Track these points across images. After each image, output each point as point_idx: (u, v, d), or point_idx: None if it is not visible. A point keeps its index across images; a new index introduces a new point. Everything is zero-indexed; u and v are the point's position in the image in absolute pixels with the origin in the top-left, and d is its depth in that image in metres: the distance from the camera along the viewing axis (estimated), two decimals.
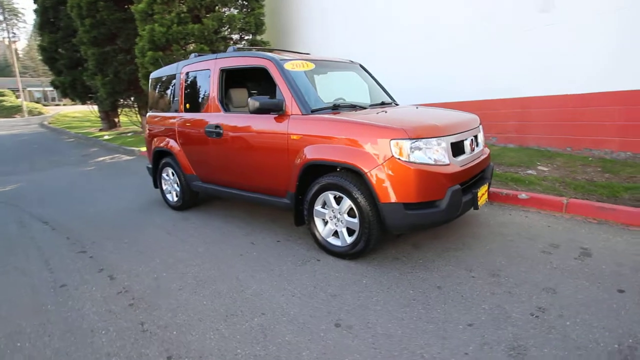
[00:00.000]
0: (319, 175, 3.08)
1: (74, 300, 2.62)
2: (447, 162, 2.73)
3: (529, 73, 5.77)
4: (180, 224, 4.16)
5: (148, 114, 5.03)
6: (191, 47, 11.69)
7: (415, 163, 2.60)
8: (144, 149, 11.11)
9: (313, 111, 3.10)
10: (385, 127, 2.67)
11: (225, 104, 3.87)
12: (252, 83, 4.82)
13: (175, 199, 4.67)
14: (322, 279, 2.68)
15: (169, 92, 4.60)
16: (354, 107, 3.44)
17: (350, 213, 2.88)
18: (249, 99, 3.20)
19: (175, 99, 4.38)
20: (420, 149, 2.62)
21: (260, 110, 3.18)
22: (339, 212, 2.92)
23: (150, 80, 5.03)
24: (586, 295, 2.28)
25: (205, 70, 3.98)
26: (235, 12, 11.33)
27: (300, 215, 3.26)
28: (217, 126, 3.76)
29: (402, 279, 2.61)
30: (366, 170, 2.66)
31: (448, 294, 2.38)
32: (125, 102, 14.27)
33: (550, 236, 3.17)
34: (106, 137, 13.32)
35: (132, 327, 2.25)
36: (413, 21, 7.27)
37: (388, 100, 4.08)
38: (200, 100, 4.09)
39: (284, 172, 3.25)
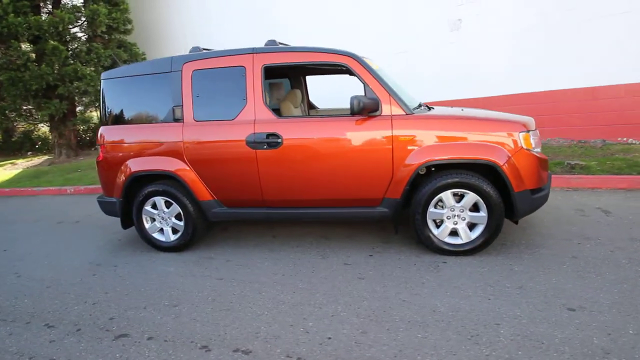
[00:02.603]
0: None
1: None
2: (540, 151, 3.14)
3: (443, 82, 6.97)
4: (214, 265, 3.20)
5: (103, 130, 3.61)
6: (25, 47, 8.78)
7: (536, 152, 2.88)
8: None
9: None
10: (512, 121, 2.86)
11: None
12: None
13: (174, 236, 3.54)
14: (482, 278, 2.63)
15: (156, 97, 3.44)
16: (419, 106, 3.46)
17: (471, 208, 2.92)
18: (354, 97, 2.81)
19: (176, 105, 3.32)
20: (534, 139, 2.92)
21: (362, 111, 2.85)
22: (461, 210, 2.92)
23: (103, 83, 3.63)
24: None
25: (235, 68, 3.19)
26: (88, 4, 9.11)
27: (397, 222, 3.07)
28: (271, 135, 3.09)
29: (539, 259, 2.83)
30: (501, 163, 2.76)
31: (589, 260, 2.75)
32: None
33: (564, 205, 4.01)
34: None
35: None
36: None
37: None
38: (224, 105, 3.25)
39: (383, 178, 2.98)
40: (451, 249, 2.98)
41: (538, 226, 3.47)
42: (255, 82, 3.15)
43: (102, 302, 2.74)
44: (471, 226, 2.97)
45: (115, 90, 3.60)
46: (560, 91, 6.16)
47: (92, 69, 8.68)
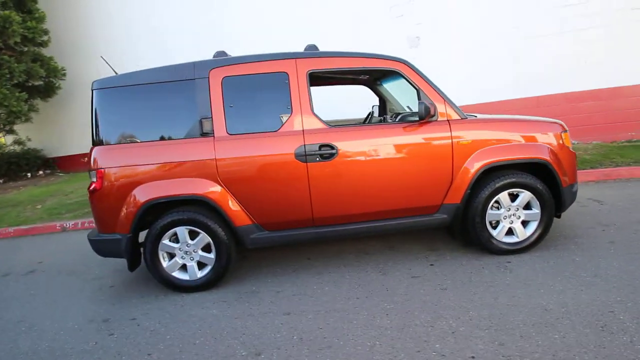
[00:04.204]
0: None
1: None
2: None
3: None
4: (265, 299, 2.78)
5: (99, 151, 2.91)
6: None
7: (572, 150, 3.12)
8: None
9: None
10: (555, 122, 3.05)
11: None
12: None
13: (200, 273, 2.98)
14: (556, 272, 2.70)
15: (173, 108, 2.91)
16: None
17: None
18: (422, 102, 2.72)
19: (204, 117, 2.84)
20: (570, 138, 3.17)
21: (426, 117, 2.78)
22: (516, 209, 3.00)
23: (95, 95, 2.94)
24: None
25: (275, 74, 2.86)
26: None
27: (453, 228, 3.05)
28: (324, 146, 2.82)
29: (586, 248, 3.03)
30: (552, 161, 2.92)
31: (625, 243, 3.02)
32: None
33: None
34: None
35: None
36: None
37: None
38: (264, 115, 2.89)
39: (443, 184, 2.94)
40: (510, 247, 3.04)
41: (565, 225, 3.72)
42: (300, 90, 2.87)
43: None
44: (523, 224, 3.07)
45: (114, 102, 2.95)
46: (509, 101, 6.96)
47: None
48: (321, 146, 2.84)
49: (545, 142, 2.98)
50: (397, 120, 3.46)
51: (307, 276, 3.08)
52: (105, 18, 9.50)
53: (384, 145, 2.90)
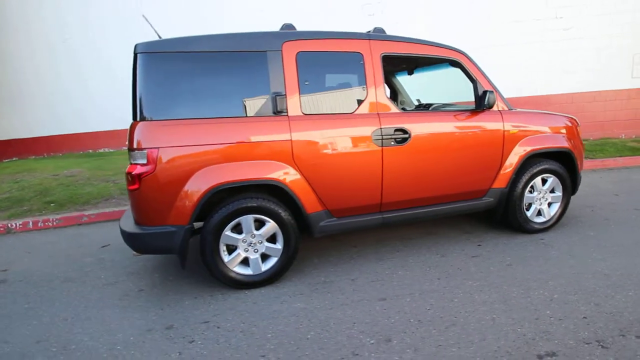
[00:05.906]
0: None
1: None
2: None
3: None
4: (346, 287, 2.68)
5: (149, 129, 2.42)
6: None
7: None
8: None
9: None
10: (572, 117, 3.51)
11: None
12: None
13: (264, 267, 2.72)
14: (588, 243, 3.14)
15: (239, 82, 2.57)
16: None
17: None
18: (490, 92, 2.88)
19: (277, 94, 2.57)
20: None
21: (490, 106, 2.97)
22: (545, 192, 3.38)
23: (140, 59, 2.43)
24: (616, 200, 4.33)
25: (350, 54, 2.74)
26: None
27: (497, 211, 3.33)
28: (399, 130, 2.81)
29: (592, 225, 3.58)
30: (573, 150, 3.38)
31: (616, 219, 3.66)
32: None
33: None
34: None
35: None
36: None
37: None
38: (337, 95, 2.74)
39: (493, 169, 3.19)
40: (540, 227, 3.42)
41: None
42: (375, 72, 2.81)
43: None
44: (548, 205, 3.49)
45: (165, 69, 2.48)
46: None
47: None
48: (396, 130, 2.83)
49: (567, 133, 3.45)
50: (430, 109, 3.63)
51: (368, 263, 3.04)
52: None
53: (451, 131, 3.02)
